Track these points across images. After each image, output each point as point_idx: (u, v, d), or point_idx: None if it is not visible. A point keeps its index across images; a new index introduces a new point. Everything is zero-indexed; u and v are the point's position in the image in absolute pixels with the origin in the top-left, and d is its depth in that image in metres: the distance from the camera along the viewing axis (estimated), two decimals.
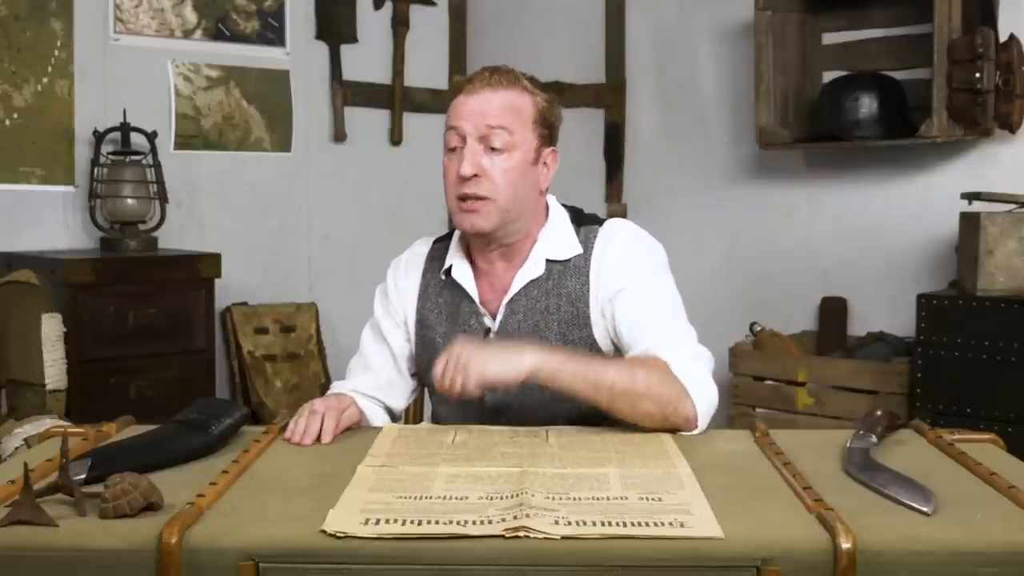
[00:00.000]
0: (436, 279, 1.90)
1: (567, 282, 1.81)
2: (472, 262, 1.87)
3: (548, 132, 1.82)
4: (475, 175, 1.74)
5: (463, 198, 1.76)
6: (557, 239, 1.83)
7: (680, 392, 1.63)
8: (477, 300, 1.85)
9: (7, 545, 1.13)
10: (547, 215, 1.87)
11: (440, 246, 1.94)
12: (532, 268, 1.82)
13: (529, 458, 1.45)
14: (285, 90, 4.19)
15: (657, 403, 1.62)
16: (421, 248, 1.96)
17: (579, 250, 1.82)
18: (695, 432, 1.64)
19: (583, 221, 1.87)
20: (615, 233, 1.84)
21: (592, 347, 1.80)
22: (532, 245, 1.83)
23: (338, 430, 1.63)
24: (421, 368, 1.91)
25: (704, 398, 1.65)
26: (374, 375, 1.93)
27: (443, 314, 1.87)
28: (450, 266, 1.87)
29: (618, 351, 1.84)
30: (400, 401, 1.96)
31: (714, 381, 1.69)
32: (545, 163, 1.83)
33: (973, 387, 3.05)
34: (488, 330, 1.83)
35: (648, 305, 1.76)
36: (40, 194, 3.61)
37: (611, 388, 1.61)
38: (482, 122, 1.75)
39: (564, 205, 1.90)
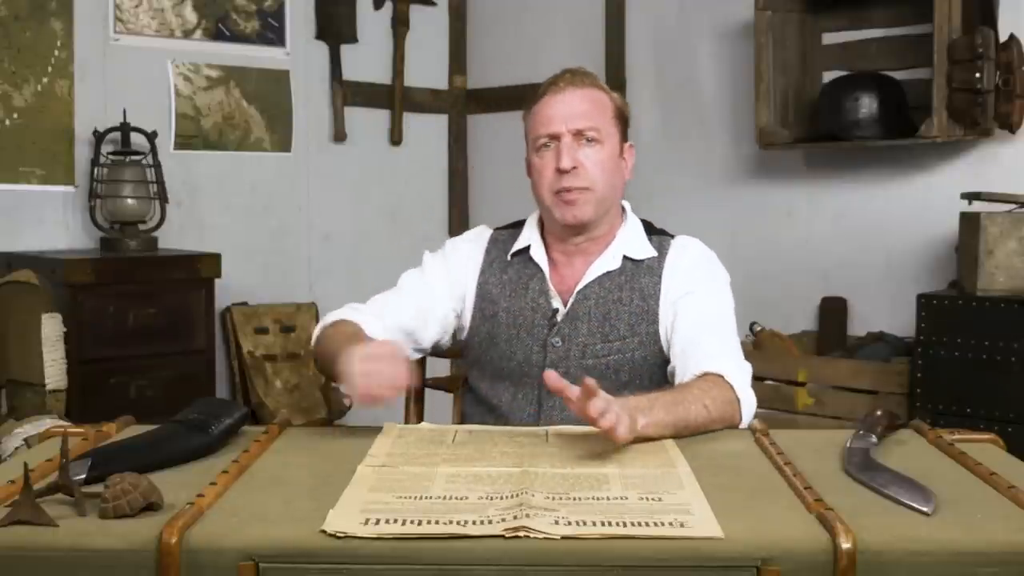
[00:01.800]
0: (500, 257, 1.96)
1: (641, 279, 1.89)
2: (546, 249, 1.94)
3: (624, 127, 1.93)
4: (573, 167, 1.82)
5: (562, 191, 1.83)
6: (634, 240, 1.93)
7: (734, 403, 1.71)
8: (549, 279, 1.90)
9: (7, 545, 1.13)
10: (624, 217, 1.97)
11: (503, 233, 2.00)
12: (610, 260, 1.90)
13: (529, 458, 1.45)
14: (285, 90, 4.19)
15: (719, 421, 1.67)
16: (484, 232, 2.03)
17: (654, 253, 1.91)
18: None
19: (654, 231, 1.97)
20: (689, 244, 1.96)
21: (656, 343, 1.87)
22: (610, 242, 1.91)
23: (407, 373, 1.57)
24: (475, 341, 1.94)
25: (748, 406, 1.73)
26: (407, 309, 1.92)
27: (507, 289, 1.93)
28: (527, 246, 1.93)
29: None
30: (410, 348, 1.92)
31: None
32: (624, 157, 1.93)
33: (973, 387, 3.05)
34: (556, 311, 1.88)
35: (709, 316, 1.85)
36: (40, 194, 3.61)
37: (694, 427, 1.63)
38: (574, 118, 1.84)
39: (638, 217, 2.00)
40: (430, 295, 1.94)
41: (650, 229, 1.97)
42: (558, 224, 1.88)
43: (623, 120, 1.93)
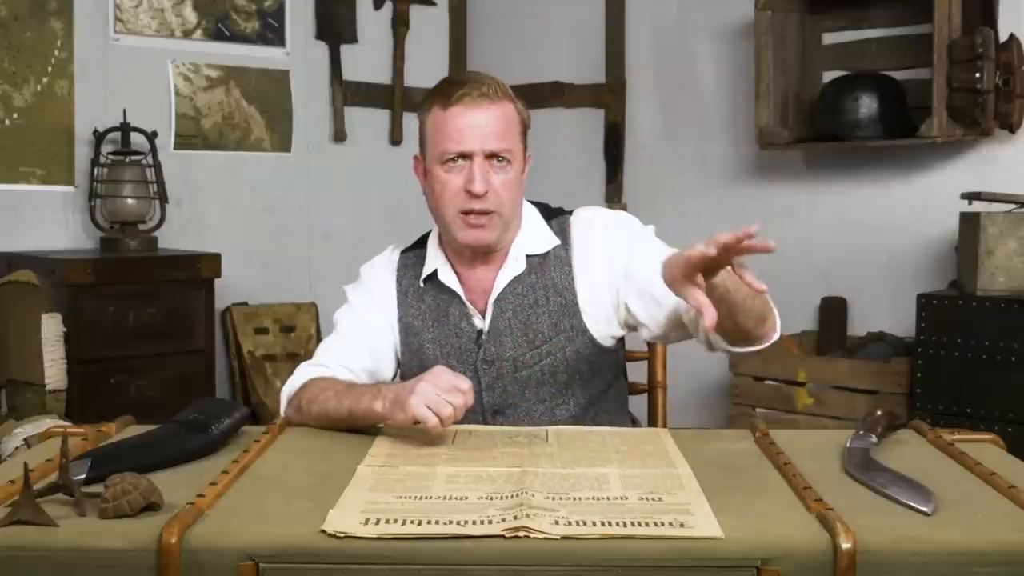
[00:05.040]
0: (414, 286, 1.89)
1: (551, 273, 1.83)
2: (452, 265, 1.87)
3: (525, 138, 1.84)
4: (485, 192, 1.74)
5: (468, 212, 1.75)
6: (533, 234, 1.85)
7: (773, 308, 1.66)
8: (467, 302, 1.85)
9: (7, 545, 1.13)
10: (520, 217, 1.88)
11: (410, 255, 1.93)
12: (513, 266, 1.83)
13: (529, 458, 1.45)
14: (285, 90, 4.19)
15: (770, 315, 1.64)
16: (392, 256, 1.95)
17: (556, 241, 1.84)
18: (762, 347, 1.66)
19: (552, 214, 1.89)
20: (591, 219, 1.86)
21: (584, 334, 1.82)
22: (511, 243, 1.84)
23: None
24: (410, 376, 1.85)
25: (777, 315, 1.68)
26: (363, 351, 1.87)
27: (428, 319, 1.86)
28: (434, 271, 1.86)
29: (618, 340, 1.87)
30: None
31: None
32: (523, 168, 1.85)
33: (973, 387, 3.05)
34: (480, 331, 1.84)
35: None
36: (40, 194, 3.61)
37: (758, 308, 1.59)
38: (488, 138, 1.74)
39: (531, 201, 1.91)
40: (372, 333, 1.88)
41: (548, 212, 1.88)
42: (459, 244, 1.81)
43: (525, 132, 1.83)
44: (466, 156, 1.75)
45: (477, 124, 1.74)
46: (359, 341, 1.87)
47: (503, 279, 1.83)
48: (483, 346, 1.83)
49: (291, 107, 4.20)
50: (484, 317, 1.84)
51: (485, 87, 1.76)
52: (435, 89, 1.83)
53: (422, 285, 1.88)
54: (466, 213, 1.76)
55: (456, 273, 1.86)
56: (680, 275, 1.41)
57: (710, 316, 1.36)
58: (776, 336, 1.67)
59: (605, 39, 4.41)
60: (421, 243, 1.94)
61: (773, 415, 3.44)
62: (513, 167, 1.78)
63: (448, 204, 1.77)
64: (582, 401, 1.85)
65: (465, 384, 1.55)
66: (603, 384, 1.89)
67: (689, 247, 1.39)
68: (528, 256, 1.83)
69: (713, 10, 4.09)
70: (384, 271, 1.93)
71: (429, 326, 1.86)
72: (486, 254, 1.83)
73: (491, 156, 1.75)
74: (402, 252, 1.95)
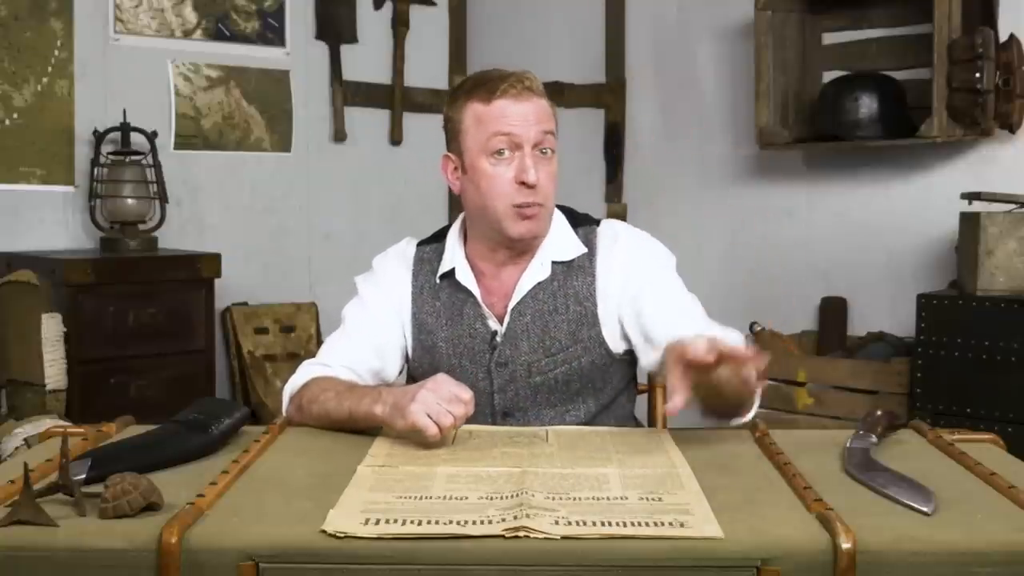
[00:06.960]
0: (430, 282, 1.86)
1: (573, 282, 1.81)
2: (471, 264, 1.85)
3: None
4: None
5: (523, 205, 1.74)
6: (561, 240, 1.83)
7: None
8: (483, 303, 1.83)
9: (7, 545, 1.13)
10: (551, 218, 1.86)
11: (427, 249, 1.90)
12: (539, 270, 1.81)
13: (529, 458, 1.45)
14: (285, 90, 4.18)
15: (752, 402, 1.61)
16: (408, 249, 1.92)
17: (583, 249, 1.82)
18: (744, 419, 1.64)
19: (579, 222, 1.87)
20: (618, 232, 1.85)
21: (601, 346, 1.80)
22: (539, 247, 1.82)
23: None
24: (419, 372, 1.86)
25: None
26: (370, 349, 1.85)
27: (442, 318, 1.84)
28: (451, 268, 1.84)
29: (628, 352, 1.84)
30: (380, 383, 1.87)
31: None
32: None
33: (973, 387, 3.05)
34: (495, 333, 1.82)
35: (681, 302, 1.77)
36: (40, 194, 3.60)
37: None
38: (538, 128, 1.74)
39: (556, 206, 1.88)
40: (380, 329, 1.85)
41: (574, 219, 1.87)
42: (506, 238, 1.77)
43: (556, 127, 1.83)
44: (516, 147, 1.74)
45: (526, 114, 1.74)
46: (366, 339, 1.85)
47: (526, 283, 1.81)
48: (498, 348, 1.81)
49: (291, 107, 4.20)
50: (501, 319, 1.82)
51: (528, 80, 1.77)
52: (467, 86, 1.81)
53: (438, 281, 1.86)
54: (519, 206, 1.74)
55: (475, 272, 1.84)
56: (673, 359, 1.43)
57: (674, 402, 1.40)
58: (751, 415, 1.64)
59: (605, 39, 4.41)
60: (439, 236, 1.91)
61: (773, 415, 3.44)
62: (555, 159, 1.78)
63: (498, 197, 1.75)
64: (592, 409, 1.84)
65: (467, 394, 1.54)
66: (614, 392, 1.88)
67: (691, 343, 1.41)
68: (554, 262, 1.81)
69: (713, 10, 4.09)
70: (398, 265, 1.90)
71: (443, 324, 1.84)
72: (520, 252, 1.81)
73: (536, 147, 1.74)
74: (418, 245, 1.92)
